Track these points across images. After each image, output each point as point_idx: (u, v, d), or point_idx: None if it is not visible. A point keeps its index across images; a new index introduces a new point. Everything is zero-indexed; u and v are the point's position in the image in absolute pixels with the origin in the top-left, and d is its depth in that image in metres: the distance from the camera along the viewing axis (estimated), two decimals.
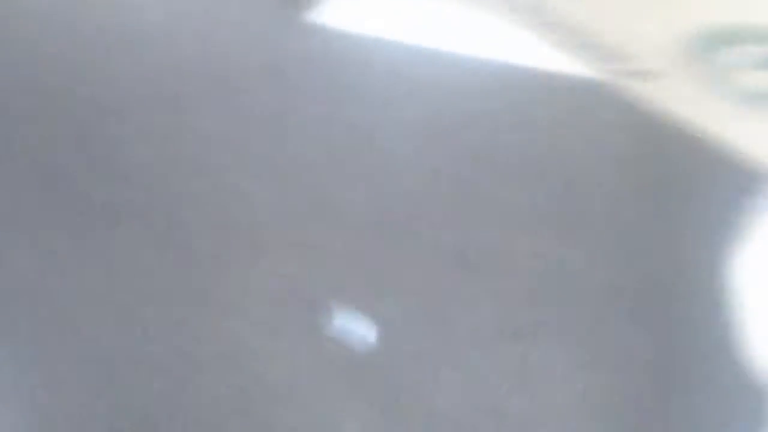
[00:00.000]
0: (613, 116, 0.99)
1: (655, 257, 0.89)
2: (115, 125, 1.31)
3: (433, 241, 1.17)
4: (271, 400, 1.16)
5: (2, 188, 1.25)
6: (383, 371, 1.16)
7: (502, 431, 0.84)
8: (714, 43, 0.68)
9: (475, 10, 1.04)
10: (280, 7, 1.36)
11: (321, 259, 1.22)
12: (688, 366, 0.75)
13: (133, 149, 1.30)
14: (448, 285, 1.14)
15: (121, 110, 1.32)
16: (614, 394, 0.80)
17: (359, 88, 1.33)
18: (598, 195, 1.03)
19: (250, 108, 1.33)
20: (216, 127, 1.32)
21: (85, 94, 1.32)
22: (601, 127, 1.05)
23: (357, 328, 1.22)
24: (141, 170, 1.28)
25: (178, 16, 1.37)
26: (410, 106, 1.28)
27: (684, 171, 0.89)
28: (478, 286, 1.05)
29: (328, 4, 1.30)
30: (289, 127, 1.31)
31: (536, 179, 1.13)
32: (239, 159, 1.30)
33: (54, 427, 1.05)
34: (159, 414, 1.12)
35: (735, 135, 0.71)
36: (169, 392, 1.15)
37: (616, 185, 1.01)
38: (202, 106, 1.33)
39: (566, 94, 1.07)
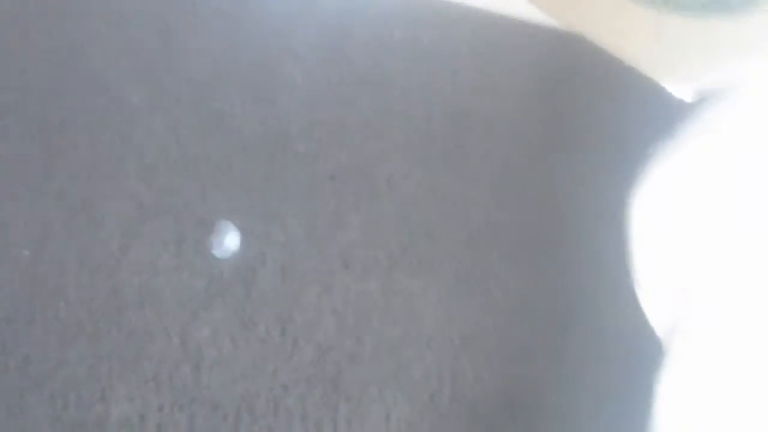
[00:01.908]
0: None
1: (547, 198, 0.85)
2: None
3: (320, 164, 1.14)
4: (137, 306, 1.17)
5: None
6: (252, 285, 1.14)
7: (360, 353, 0.81)
8: None
9: None
10: None
11: (210, 177, 1.21)
12: (570, 306, 0.73)
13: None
14: (329, 209, 1.13)
15: None
16: (482, 326, 0.78)
17: (255, 10, 1.30)
18: (496, 125, 0.99)
19: (140, 25, 1.29)
20: (105, 40, 1.28)
21: None
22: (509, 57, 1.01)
23: (237, 245, 1.24)
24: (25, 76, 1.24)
25: None
26: (307, 31, 1.26)
27: (595, 96, 0.85)
28: (360, 211, 1.02)
29: None
30: (180, 44, 1.27)
31: (425, 107, 1.10)
32: (129, 74, 1.27)
33: None
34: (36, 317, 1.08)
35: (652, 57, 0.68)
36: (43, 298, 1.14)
37: (518, 118, 0.97)
38: (88, 18, 1.29)
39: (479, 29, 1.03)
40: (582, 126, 0.86)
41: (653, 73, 0.67)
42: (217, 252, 1.38)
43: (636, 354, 0.68)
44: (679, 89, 0.66)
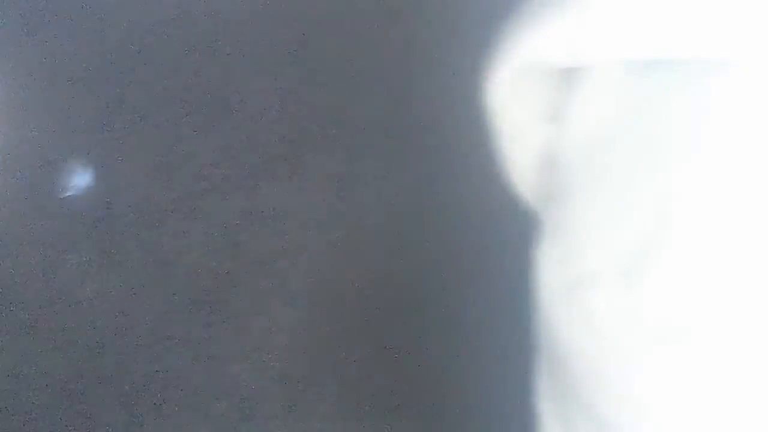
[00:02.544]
0: None
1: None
2: None
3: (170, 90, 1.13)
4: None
5: None
6: (113, 220, 1.13)
7: (235, 270, 0.81)
8: None
9: None
10: None
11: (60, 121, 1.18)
12: (438, 197, 0.74)
13: None
14: (176, 141, 1.12)
15: None
16: (354, 229, 0.78)
17: None
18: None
19: None
20: None
21: None
22: None
23: (90, 183, 1.26)
24: None
25: None
26: None
27: None
28: (214, 132, 1.01)
29: None
30: None
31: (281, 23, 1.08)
32: None
33: None
34: None
35: None
36: None
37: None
38: None
39: None
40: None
41: None
42: (71, 192, 1.35)
43: (510, 228, 0.70)
44: None
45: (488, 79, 0.63)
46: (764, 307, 0.56)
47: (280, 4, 1.19)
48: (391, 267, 0.77)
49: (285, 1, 1.18)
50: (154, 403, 0.97)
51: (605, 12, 0.59)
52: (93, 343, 1.12)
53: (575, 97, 0.61)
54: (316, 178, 0.82)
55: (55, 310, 1.18)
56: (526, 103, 0.63)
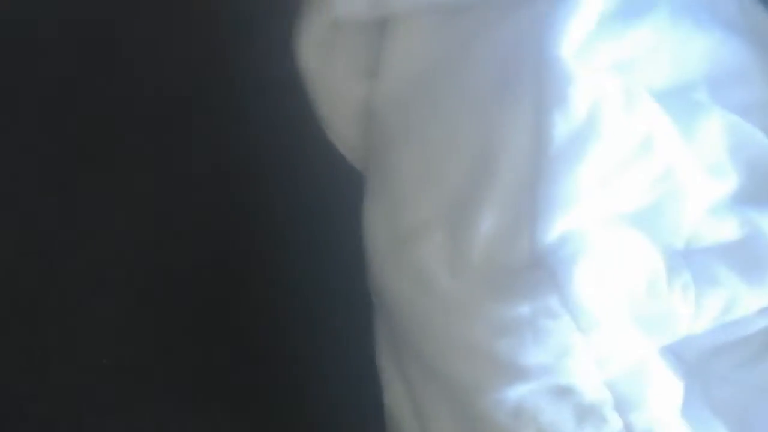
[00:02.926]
0: None
1: None
2: None
3: None
4: None
5: None
6: None
7: (52, 271, 0.76)
8: None
9: None
10: None
11: None
12: (263, 160, 0.72)
13: None
14: None
15: None
16: (177, 202, 0.75)
17: None
18: None
19: None
20: None
21: None
22: None
23: None
24: None
25: None
26: None
27: None
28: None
29: None
30: None
31: None
32: None
33: None
34: None
35: None
36: None
37: None
38: None
39: None
40: None
41: None
42: None
43: (339, 185, 0.69)
44: None
45: (301, 39, 0.62)
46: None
47: None
48: (218, 247, 0.75)
49: None
50: None
51: None
52: None
53: (388, 48, 0.61)
54: (127, 167, 0.78)
55: None
56: (342, 60, 0.63)
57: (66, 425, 0.70)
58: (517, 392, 0.53)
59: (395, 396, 0.60)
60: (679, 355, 0.59)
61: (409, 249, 0.56)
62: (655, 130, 0.56)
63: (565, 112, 0.53)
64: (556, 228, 0.53)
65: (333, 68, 0.62)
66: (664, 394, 0.55)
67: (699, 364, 0.59)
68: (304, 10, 0.62)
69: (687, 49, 0.60)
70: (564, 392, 0.54)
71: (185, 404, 0.71)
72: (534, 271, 0.53)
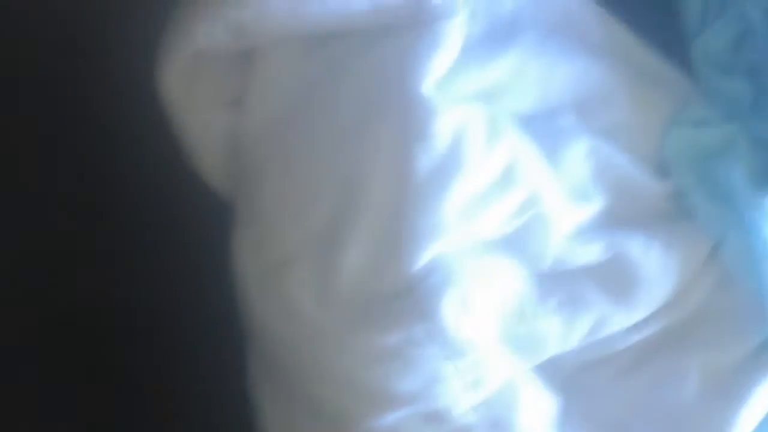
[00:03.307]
0: None
1: None
2: None
3: None
4: None
5: None
6: None
7: None
8: None
9: None
10: None
11: None
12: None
13: None
14: None
15: None
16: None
17: None
18: None
19: None
20: None
21: None
22: None
23: None
24: None
25: None
26: None
27: None
28: None
29: None
30: None
31: None
32: None
33: None
34: None
35: None
36: None
37: None
38: None
39: None
40: None
41: None
42: None
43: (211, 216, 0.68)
44: None
45: (162, 70, 0.62)
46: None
47: None
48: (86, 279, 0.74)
49: None
50: None
51: None
52: None
53: (254, 78, 0.61)
54: None
55: None
56: (205, 90, 0.62)
57: None
58: (387, 420, 0.54)
59: (270, 419, 0.61)
60: (552, 372, 0.60)
61: (276, 280, 0.56)
62: (517, 160, 0.57)
63: (427, 146, 0.54)
64: (422, 258, 0.54)
65: (196, 98, 0.61)
66: (535, 414, 0.57)
67: (574, 379, 0.61)
68: (165, 41, 0.61)
69: (553, 75, 0.62)
70: (435, 418, 0.55)
71: None
72: (401, 301, 0.54)
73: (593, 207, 0.61)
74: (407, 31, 0.57)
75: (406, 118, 0.55)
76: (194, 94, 0.61)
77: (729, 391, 0.60)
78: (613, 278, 0.60)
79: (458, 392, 0.55)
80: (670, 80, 0.65)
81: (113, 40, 0.71)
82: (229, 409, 0.65)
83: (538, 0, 0.62)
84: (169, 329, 0.71)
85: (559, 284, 0.59)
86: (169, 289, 0.70)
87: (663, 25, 0.67)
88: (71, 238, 0.73)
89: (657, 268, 0.61)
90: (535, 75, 0.62)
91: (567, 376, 0.61)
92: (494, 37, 0.61)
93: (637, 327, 0.61)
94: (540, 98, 0.62)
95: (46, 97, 0.73)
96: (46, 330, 0.73)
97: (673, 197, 0.64)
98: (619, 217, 0.62)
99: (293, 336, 0.56)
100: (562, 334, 0.59)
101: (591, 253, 0.60)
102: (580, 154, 0.61)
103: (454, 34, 0.57)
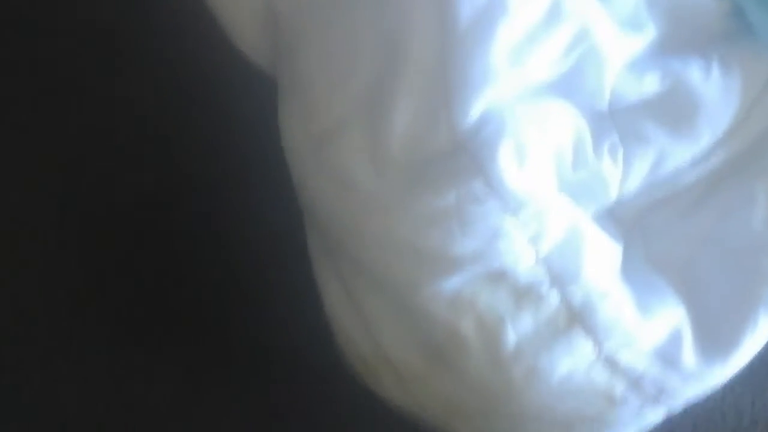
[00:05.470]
0: None
1: None
2: None
3: None
4: None
5: None
6: None
7: None
8: None
9: None
10: None
11: None
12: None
13: None
14: None
15: None
16: None
17: None
18: None
19: None
20: None
21: None
22: None
23: None
24: None
25: None
26: None
27: None
28: None
29: None
30: None
31: None
32: None
33: None
34: None
35: None
36: None
37: None
38: None
39: None
40: None
41: None
42: None
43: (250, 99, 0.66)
44: None
45: None
46: None
47: None
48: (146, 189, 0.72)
49: None
50: None
51: None
52: None
53: None
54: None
55: None
56: None
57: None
58: (451, 283, 0.53)
59: (334, 298, 0.59)
60: (615, 216, 0.59)
61: (327, 149, 0.54)
62: None
63: None
64: (473, 109, 0.52)
65: None
66: (600, 262, 0.55)
67: (636, 222, 0.59)
68: None
69: None
70: (499, 277, 0.53)
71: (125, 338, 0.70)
72: (455, 157, 0.52)
73: (648, 35, 0.58)
74: None
75: None
76: None
77: None
78: (673, 109, 0.57)
79: (521, 247, 0.53)
80: None
81: None
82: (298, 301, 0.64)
83: None
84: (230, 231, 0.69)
85: (617, 122, 0.57)
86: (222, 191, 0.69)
87: None
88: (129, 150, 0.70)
89: (717, 93, 0.58)
90: None
91: (631, 219, 0.59)
92: None
93: (700, 159, 0.58)
94: None
95: None
96: None
97: (731, 15, 0.60)
98: (676, 43, 0.58)
99: (348, 205, 0.54)
100: (622, 176, 0.56)
101: (648, 84, 0.57)
102: None
103: None
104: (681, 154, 0.57)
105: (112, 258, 0.69)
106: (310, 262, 0.60)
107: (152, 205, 0.69)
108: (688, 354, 0.55)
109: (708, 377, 0.56)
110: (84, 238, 0.69)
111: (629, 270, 0.57)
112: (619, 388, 0.55)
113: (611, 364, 0.54)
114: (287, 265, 0.65)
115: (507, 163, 0.52)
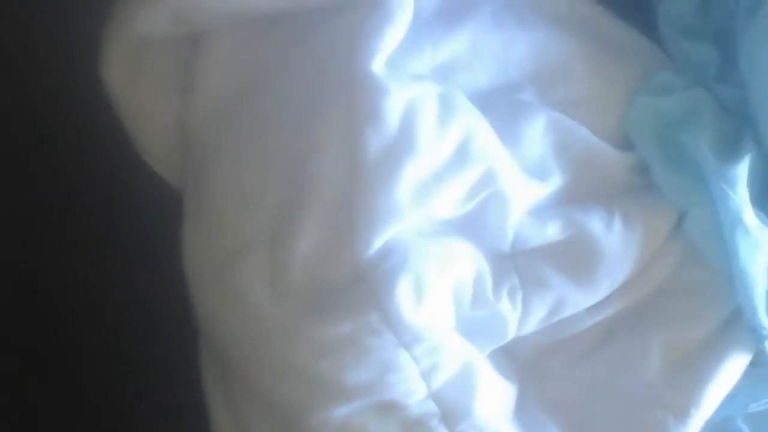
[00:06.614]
0: None
1: None
2: None
3: None
4: None
5: None
6: None
7: None
8: None
9: None
10: None
11: None
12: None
13: None
14: None
15: None
16: None
17: None
18: None
19: None
20: None
21: None
22: None
23: None
24: None
25: None
26: None
27: None
28: None
29: None
30: None
31: None
32: None
33: None
34: None
35: None
36: None
37: None
38: None
39: None
40: None
41: None
42: None
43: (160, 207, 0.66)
44: None
45: (104, 58, 0.60)
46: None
47: None
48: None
49: None
50: None
51: None
52: None
53: (202, 62, 0.59)
54: None
55: None
56: (150, 77, 0.60)
57: None
58: (341, 412, 0.53)
59: (222, 421, 0.59)
60: (511, 356, 0.59)
61: (228, 271, 0.55)
62: (472, 137, 0.55)
63: (378, 127, 0.52)
64: (375, 242, 0.53)
65: (140, 86, 0.60)
66: (494, 400, 0.56)
67: (532, 363, 0.59)
68: (106, 29, 0.59)
69: (511, 48, 0.60)
70: (389, 408, 0.54)
71: None
72: (355, 287, 0.53)
73: (553, 184, 0.60)
74: (356, 8, 0.55)
75: (356, 98, 0.53)
76: (137, 81, 0.59)
77: (693, 368, 0.59)
78: (573, 257, 0.59)
79: (414, 381, 0.54)
80: (636, 50, 0.63)
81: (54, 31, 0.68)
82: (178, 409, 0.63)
83: None
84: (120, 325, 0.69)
85: (518, 265, 0.58)
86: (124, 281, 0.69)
87: None
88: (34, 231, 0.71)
89: (618, 245, 0.59)
90: (492, 49, 0.60)
91: (526, 361, 0.60)
92: (449, 11, 0.59)
93: (598, 307, 0.60)
94: (498, 73, 0.60)
95: None
96: None
97: (636, 170, 0.62)
98: (580, 193, 0.60)
99: (245, 328, 0.55)
100: (520, 318, 0.57)
101: (550, 231, 0.59)
102: (538, 130, 0.59)
103: (405, 10, 0.54)
104: (579, 301, 0.59)
105: None
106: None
107: None
108: None
109: None
110: None
111: (522, 411, 0.58)
112: None
113: None
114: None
115: (404, 298, 0.53)
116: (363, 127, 0.53)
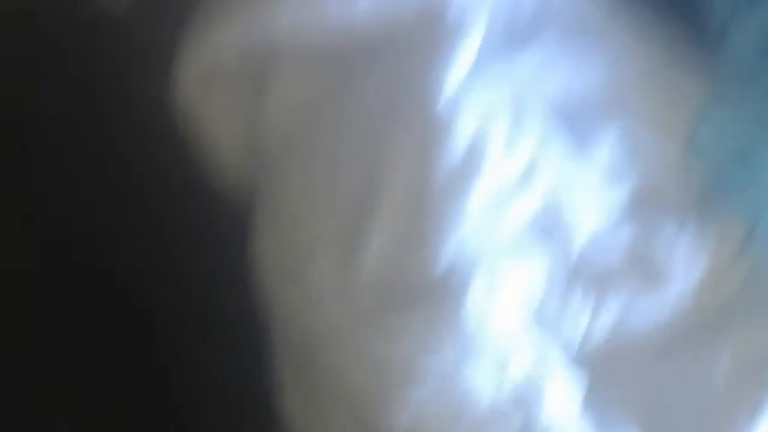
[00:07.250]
0: None
1: None
2: None
3: None
4: None
5: None
6: None
7: None
8: None
9: None
10: None
11: None
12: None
13: None
14: None
15: None
16: None
17: None
18: None
19: None
20: None
21: None
22: None
23: None
24: None
25: None
26: None
27: None
28: None
29: None
30: None
31: None
32: None
33: None
34: None
35: None
36: None
37: None
38: None
39: None
40: None
41: None
42: None
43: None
44: None
45: (179, 81, 0.63)
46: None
47: None
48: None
49: None
50: None
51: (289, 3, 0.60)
52: None
53: (273, 85, 0.62)
54: None
55: None
56: (223, 100, 0.63)
57: None
58: (414, 396, 0.55)
59: (297, 410, 0.61)
60: (580, 355, 0.60)
61: (301, 275, 0.57)
62: (541, 152, 0.59)
63: (446, 150, 0.55)
64: (443, 258, 0.56)
65: (213, 108, 0.64)
66: (563, 396, 0.57)
67: (601, 363, 0.60)
68: (179, 53, 0.62)
69: (576, 72, 0.63)
70: (462, 396, 0.54)
71: None
72: (424, 295, 0.56)
73: (623, 193, 0.61)
74: (423, 46, 0.58)
75: (425, 131, 0.57)
76: (209, 104, 0.63)
77: (760, 378, 0.59)
78: (643, 261, 0.59)
79: (486, 371, 0.55)
80: (701, 66, 0.64)
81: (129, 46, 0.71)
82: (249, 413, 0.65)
83: (557, 2, 0.62)
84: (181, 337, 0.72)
85: (587, 273, 0.59)
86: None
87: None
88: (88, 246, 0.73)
89: (687, 256, 0.61)
90: (558, 71, 0.62)
91: (595, 360, 0.60)
92: (514, 38, 0.62)
93: (666, 315, 0.60)
94: (567, 88, 0.62)
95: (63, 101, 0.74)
96: None
97: (707, 182, 0.63)
98: (650, 203, 0.62)
99: (318, 325, 0.57)
100: (589, 321, 0.58)
101: (620, 240, 0.59)
102: (610, 139, 0.60)
103: (471, 45, 0.58)
104: (647, 308, 0.59)
105: None
106: None
107: None
108: None
109: None
110: None
111: (591, 408, 0.59)
112: None
113: None
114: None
115: (475, 306, 0.57)
116: (432, 149, 0.57)
